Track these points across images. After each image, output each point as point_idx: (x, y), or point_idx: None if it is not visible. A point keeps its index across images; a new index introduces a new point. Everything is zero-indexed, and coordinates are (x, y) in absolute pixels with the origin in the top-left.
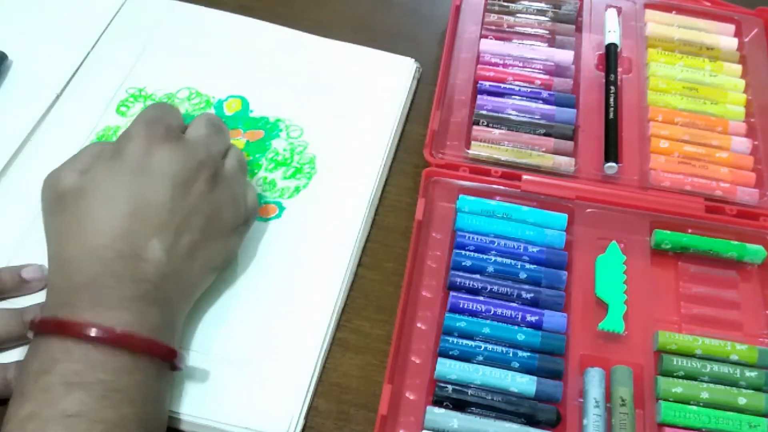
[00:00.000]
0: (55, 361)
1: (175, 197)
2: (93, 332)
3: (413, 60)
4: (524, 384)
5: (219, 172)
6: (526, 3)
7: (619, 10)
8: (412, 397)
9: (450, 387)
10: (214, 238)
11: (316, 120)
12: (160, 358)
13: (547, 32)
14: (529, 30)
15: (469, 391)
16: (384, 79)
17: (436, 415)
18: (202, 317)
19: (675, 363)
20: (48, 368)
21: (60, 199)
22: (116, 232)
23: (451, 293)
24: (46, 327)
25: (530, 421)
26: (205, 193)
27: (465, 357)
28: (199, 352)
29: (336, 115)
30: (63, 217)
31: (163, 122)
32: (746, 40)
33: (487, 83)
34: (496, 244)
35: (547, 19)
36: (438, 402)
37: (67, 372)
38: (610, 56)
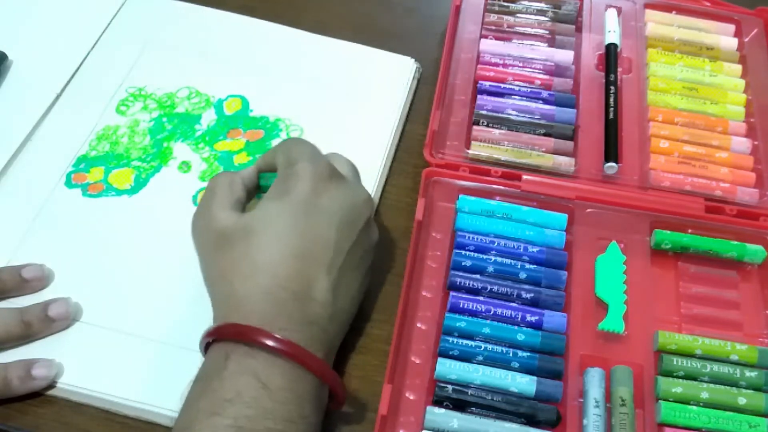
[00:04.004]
0: (227, 403)
1: (340, 237)
2: (277, 344)
3: (413, 60)
4: (524, 384)
5: (372, 214)
6: (526, 3)
7: (619, 10)
8: (412, 397)
9: (450, 387)
10: (364, 276)
11: (315, 119)
12: (331, 388)
13: (547, 32)
14: (529, 30)
15: (469, 391)
16: (384, 78)
17: (436, 415)
18: (205, 318)
19: (675, 363)
20: (220, 410)
21: (223, 237)
22: (290, 272)
23: (451, 293)
24: (226, 331)
25: (530, 421)
26: (363, 234)
27: (465, 357)
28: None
29: (336, 115)
30: (231, 256)
31: (324, 159)
32: (746, 40)
33: (487, 83)
34: (496, 244)
35: (547, 19)
36: (438, 402)
37: (239, 416)
38: (610, 56)
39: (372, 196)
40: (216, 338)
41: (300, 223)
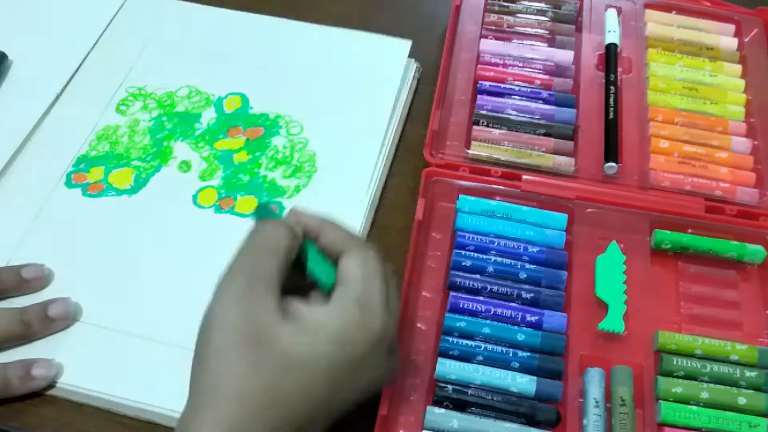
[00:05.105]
0: None
1: (360, 398)
2: None
3: (409, 41)
4: (524, 384)
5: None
6: (526, 3)
7: (619, 10)
8: (412, 397)
9: (450, 387)
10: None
11: (315, 116)
12: None
13: (547, 32)
14: (529, 30)
15: (469, 391)
16: (381, 61)
17: (436, 415)
18: None
19: (675, 363)
20: None
21: (259, 340)
22: (301, 413)
23: (451, 293)
24: None
25: (530, 421)
26: (382, 375)
27: (465, 357)
28: None
29: (335, 110)
30: (261, 369)
31: (392, 314)
32: (746, 40)
33: (487, 83)
34: (496, 244)
35: (547, 19)
36: (438, 402)
37: None
38: (610, 56)
39: (372, 195)
40: None
41: (340, 377)
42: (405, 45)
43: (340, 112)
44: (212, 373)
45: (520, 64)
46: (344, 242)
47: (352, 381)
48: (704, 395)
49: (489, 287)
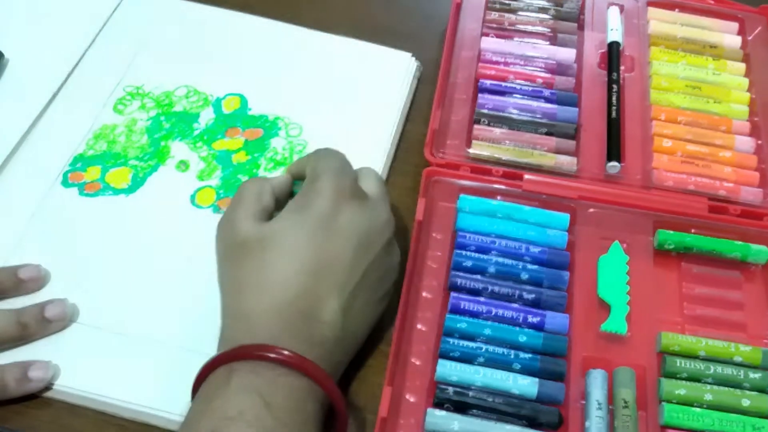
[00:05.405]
0: (228, 421)
1: (356, 259)
2: (282, 356)
3: (411, 54)
4: (526, 386)
5: (393, 237)
6: (528, 1)
7: (622, 8)
8: (412, 399)
9: (451, 389)
10: (379, 301)
11: (315, 117)
12: (334, 403)
13: (549, 30)
14: (530, 28)
15: (470, 393)
16: (382, 73)
17: (437, 417)
18: (203, 318)
19: (678, 364)
20: (221, 428)
21: (240, 248)
22: (299, 289)
23: (452, 294)
24: (234, 354)
25: (532, 423)
26: (381, 257)
27: (466, 358)
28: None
29: (334, 111)
30: (244, 268)
31: (348, 176)
32: (750, 38)
33: (488, 82)
34: (497, 244)
35: (548, 17)
36: (439, 404)
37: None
38: (612, 54)
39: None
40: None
41: (315, 240)
42: (406, 57)
43: (340, 115)
44: (220, 280)
45: (522, 63)
46: (307, 161)
47: (334, 240)
48: (708, 397)
49: (490, 288)
